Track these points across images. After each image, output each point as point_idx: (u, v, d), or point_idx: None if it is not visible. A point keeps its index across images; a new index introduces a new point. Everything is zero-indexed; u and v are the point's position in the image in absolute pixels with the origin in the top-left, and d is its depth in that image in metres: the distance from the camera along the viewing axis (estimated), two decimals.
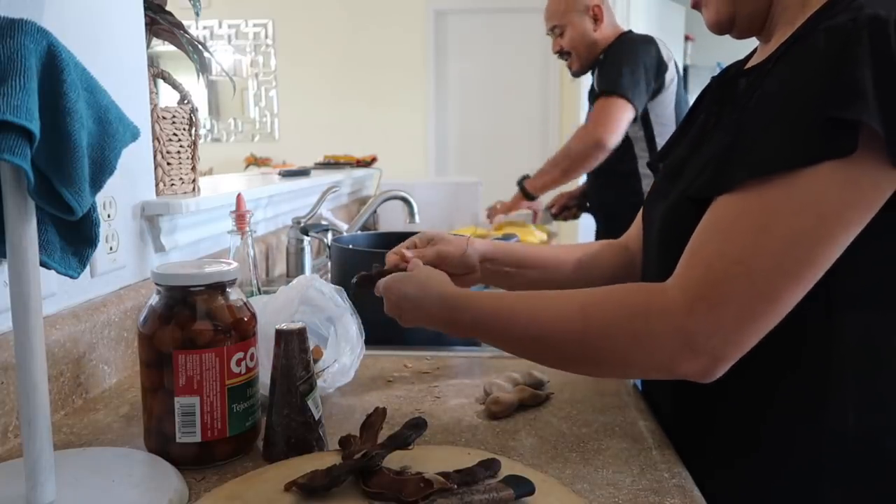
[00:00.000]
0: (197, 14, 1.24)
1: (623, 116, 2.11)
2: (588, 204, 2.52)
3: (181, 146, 1.27)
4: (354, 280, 0.94)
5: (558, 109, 5.28)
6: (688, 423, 0.82)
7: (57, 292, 0.92)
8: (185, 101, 1.28)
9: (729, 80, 0.85)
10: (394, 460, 0.67)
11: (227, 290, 0.76)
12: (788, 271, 0.64)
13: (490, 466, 0.65)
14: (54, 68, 0.56)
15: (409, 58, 5.36)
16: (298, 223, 1.74)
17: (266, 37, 5.53)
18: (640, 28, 2.53)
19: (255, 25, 5.52)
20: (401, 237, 1.07)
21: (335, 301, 0.95)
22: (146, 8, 1.15)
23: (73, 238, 0.65)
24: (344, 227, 1.99)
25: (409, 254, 0.94)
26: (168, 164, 1.23)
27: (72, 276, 0.65)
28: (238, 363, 0.74)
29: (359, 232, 1.77)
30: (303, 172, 2.19)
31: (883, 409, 0.71)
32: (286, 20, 5.46)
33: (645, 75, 2.15)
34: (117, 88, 0.79)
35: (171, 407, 0.72)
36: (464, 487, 0.60)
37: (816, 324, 0.70)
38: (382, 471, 0.64)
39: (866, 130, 0.61)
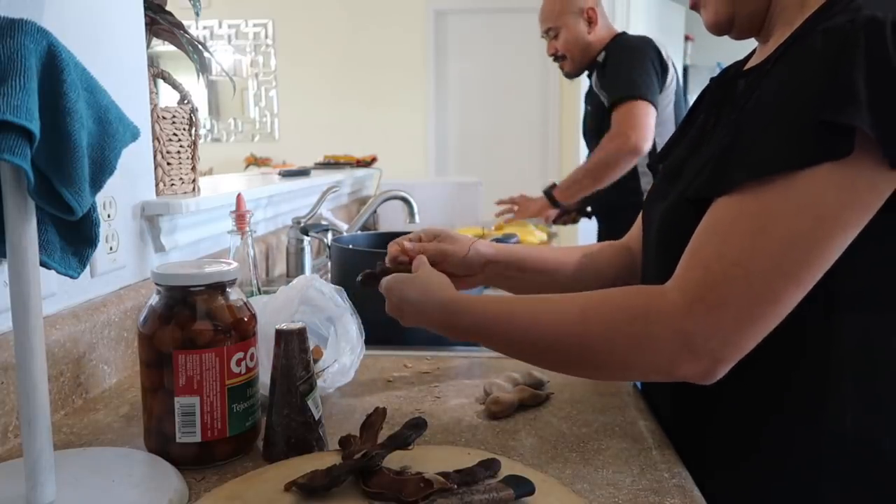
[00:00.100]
0: (197, 14, 1.24)
1: (650, 119, 2.13)
2: (588, 208, 2.52)
3: (181, 146, 1.27)
4: (359, 278, 0.94)
5: (558, 109, 5.27)
6: (688, 423, 0.82)
7: (57, 292, 0.92)
8: (185, 101, 1.28)
9: (728, 80, 0.85)
10: (394, 460, 0.67)
11: (227, 290, 0.76)
12: (787, 273, 0.64)
13: (490, 466, 0.65)
14: (54, 68, 0.56)
15: (409, 58, 5.36)
16: (298, 223, 1.74)
17: (266, 37, 5.52)
18: (640, 28, 2.54)
19: (255, 25, 5.52)
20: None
21: (335, 301, 0.95)
22: (146, 8, 1.15)
23: (73, 238, 0.65)
24: (344, 227, 1.99)
25: (409, 245, 0.93)
26: (168, 164, 1.23)
27: (72, 276, 0.65)
28: (238, 363, 0.74)
29: (359, 232, 1.77)
30: (303, 172, 2.19)
31: (881, 410, 0.72)
32: (286, 20, 5.46)
33: (655, 75, 2.17)
34: (117, 88, 0.79)
35: (171, 407, 0.72)
36: (464, 487, 0.60)
37: (815, 325, 0.70)
38: (382, 471, 0.64)
39: (862, 132, 0.61)
